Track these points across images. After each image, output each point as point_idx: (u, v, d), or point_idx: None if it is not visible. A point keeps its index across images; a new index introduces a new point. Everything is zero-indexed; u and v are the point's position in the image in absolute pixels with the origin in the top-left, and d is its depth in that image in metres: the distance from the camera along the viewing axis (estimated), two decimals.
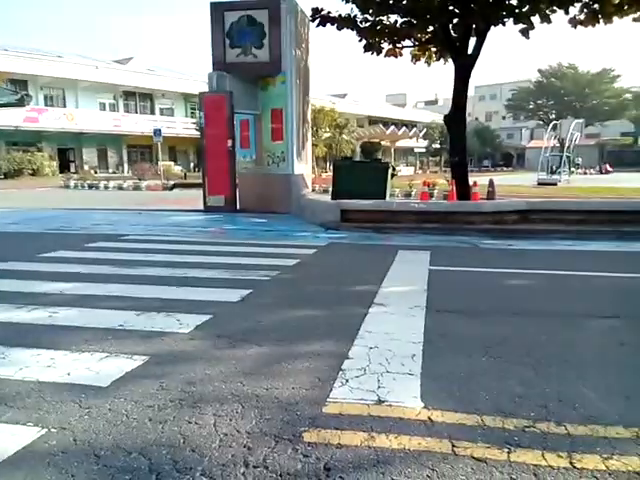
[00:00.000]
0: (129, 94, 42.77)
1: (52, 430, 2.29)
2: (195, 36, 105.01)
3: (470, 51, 11.42)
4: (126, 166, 41.27)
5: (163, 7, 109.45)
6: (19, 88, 24.39)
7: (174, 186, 25.79)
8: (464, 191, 11.88)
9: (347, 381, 2.80)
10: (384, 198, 11.11)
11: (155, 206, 14.47)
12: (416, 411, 2.48)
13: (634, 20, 10.85)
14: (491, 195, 14.17)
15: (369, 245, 8.06)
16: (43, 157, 34.79)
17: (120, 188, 25.28)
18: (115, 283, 5.05)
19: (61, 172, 34.78)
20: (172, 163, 40.19)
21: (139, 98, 43.80)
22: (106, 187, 25.50)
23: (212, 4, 12.03)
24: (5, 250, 7.19)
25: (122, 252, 6.91)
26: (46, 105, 36.66)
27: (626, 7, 10.54)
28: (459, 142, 12.00)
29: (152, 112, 44.44)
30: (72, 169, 37.14)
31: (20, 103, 16.55)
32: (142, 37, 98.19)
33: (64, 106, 38.11)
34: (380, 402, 2.56)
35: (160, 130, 27.83)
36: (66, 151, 39.01)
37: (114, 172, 39.01)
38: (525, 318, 4.05)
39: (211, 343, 3.43)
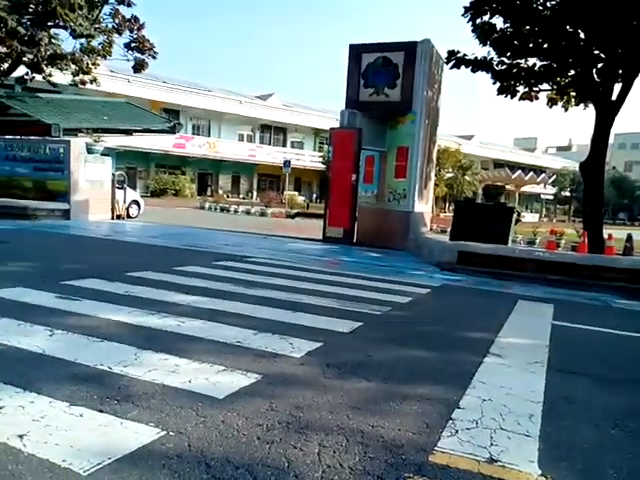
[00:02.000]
0: (265, 127, 45.95)
1: (170, 433, 2.43)
2: (329, 74, 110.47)
3: (614, 97, 10.66)
4: (255, 193, 44.04)
5: (305, 47, 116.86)
6: (172, 117, 27.33)
7: (296, 215, 26.92)
8: (597, 244, 10.94)
9: (457, 432, 2.67)
10: (506, 243, 10.60)
11: (278, 232, 15.18)
12: (532, 477, 2.28)
13: None
14: (628, 251, 12.89)
15: (486, 291, 7.69)
16: (185, 180, 38.42)
17: (248, 213, 26.96)
18: (237, 301, 5.35)
19: (199, 194, 38.15)
20: (296, 193, 42.07)
21: (274, 131, 46.83)
22: (236, 211, 27.36)
23: (351, 46, 12.63)
24: (145, 260, 7.98)
25: (245, 272, 7.31)
26: (193, 133, 40.65)
27: None
28: (595, 192, 11.14)
29: (284, 144, 47.20)
30: (208, 192, 40.52)
31: (172, 131, 18.51)
32: (284, 74, 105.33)
33: (208, 135, 41.96)
34: (492, 461, 2.39)
35: (289, 162, 29.41)
36: (205, 175, 42.72)
37: (244, 197, 41.79)
38: None
39: (320, 371, 3.47)
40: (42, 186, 14.24)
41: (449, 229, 12.46)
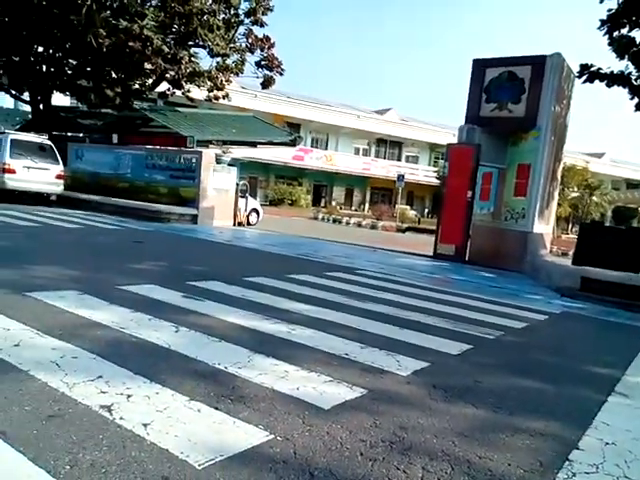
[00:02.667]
0: (381, 141, 46.25)
1: (278, 438, 2.52)
2: (449, 88, 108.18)
3: None
4: (367, 205, 44.40)
5: (426, 61, 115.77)
6: (293, 130, 28.55)
7: (407, 229, 26.66)
8: None
9: (574, 475, 2.48)
10: (638, 272, 9.58)
11: (388, 246, 15.15)
12: None
13: None
14: None
15: (613, 322, 7.01)
16: (302, 190, 39.88)
17: (359, 225, 27.23)
18: (346, 313, 5.43)
19: (313, 205, 39.38)
20: (408, 207, 41.70)
21: (389, 145, 46.97)
22: (347, 223, 27.78)
23: (475, 60, 12.33)
24: (261, 266, 8.40)
25: (355, 285, 7.40)
26: (312, 146, 42.10)
27: None
28: None
29: (399, 159, 47.14)
30: (322, 203, 41.64)
31: (293, 143, 19.37)
32: (402, 88, 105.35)
33: (326, 148, 43.21)
34: None
35: (403, 176, 29.28)
36: (320, 187, 43.98)
37: (356, 210, 42.30)
38: None
39: (426, 392, 3.41)
40: (175, 192, 15.62)
41: (571, 252, 11.58)
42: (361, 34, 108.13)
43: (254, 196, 25.77)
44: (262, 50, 20.26)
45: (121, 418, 2.53)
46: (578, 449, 2.78)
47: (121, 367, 3.19)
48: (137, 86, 20.58)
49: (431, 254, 12.81)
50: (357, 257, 11.32)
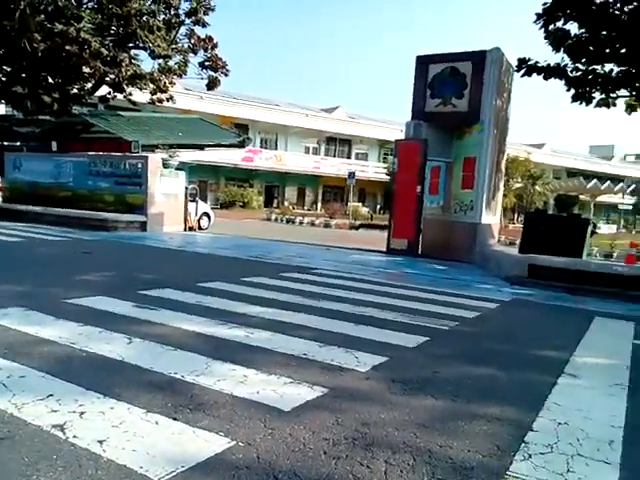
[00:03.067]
0: (330, 139, 46.50)
1: (240, 444, 2.49)
2: (394, 84, 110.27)
3: None
4: (319, 204, 44.53)
5: (369, 58, 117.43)
6: (241, 131, 28.28)
7: (360, 226, 26.94)
8: None
9: (530, 456, 2.56)
10: (580, 257, 10.05)
11: (342, 244, 15.25)
12: None
13: None
14: None
15: (559, 307, 7.32)
16: (253, 192, 39.56)
17: (312, 224, 27.29)
18: (303, 313, 5.42)
19: (266, 206, 39.13)
20: (360, 204, 42.15)
21: (339, 143, 47.31)
22: (301, 222, 27.78)
23: (418, 57, 12.56)
24: (215, 271, 8.27)
25: (311, 284, 7.40)
26: (261, 147, 41.82)
27: None
28: None
29: (349, 156, 47.55)
30: (275, 204, 41.47)
31: (242, 145, 19.15)
32: (348, 85, 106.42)
33: (275, 148, 43.05)
34: None
35: (354, 173, 29.55)
36: (272, 188, 43.78)
37: (309, 209, 42.36)
38: None
39: (386, 386, 3.45)
40: (122, 199, 15.14)
41: (518, 241, 12.01)
42: (308, 33, 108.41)
43: (204, 200, 25.36)
44: (205, 51, 19.97)
45: (75, 436, 2.43)
46: (532, 431, 2.88)
47: (72, 384, 3.07)
48: (76, 91, 19.85)
49: (385, 249, 12.99)
50: (312, 256, 11.33)
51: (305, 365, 3.74)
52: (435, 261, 11.58)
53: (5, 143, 20.21)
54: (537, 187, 38.25)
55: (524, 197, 37.81)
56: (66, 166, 16.44)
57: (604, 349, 4.93)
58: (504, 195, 28.37)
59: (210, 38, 19.84)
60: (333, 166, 44.08)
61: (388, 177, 37.08)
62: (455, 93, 12.02)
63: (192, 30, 19.80)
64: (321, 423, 2.80)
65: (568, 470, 2.44)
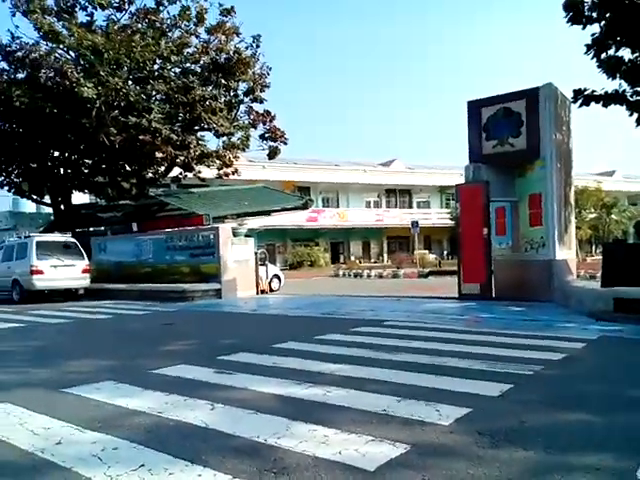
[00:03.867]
0: (390, 191, 46.92)
1: None
2: (449, 130, 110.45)
3: None
4: (385, 256, 44.40)
5: (420, 107, 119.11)
6: (304, 194, 29.21)
7: (429, 274, 26.45)
8: None
9: None
10: None
11: (412, 293, 15.02)
12: None
13: None
14: None
15: None
16: (319, 250, 40.19)
17: (380, 276, 27.12)
18: (378, 367, 5.36)
19: (332, 262, 39.50)
20: (427, 251, 41.54)
21: (399, 194, 47.59)
22: (368, 275, 27.69)
23: (469, 102, 12.71)
24: (288, 331, 8.38)
25: (383, 337, 7.32)
26: (323, 206, 42.84)
27: None
28: None
29: (410, 206, 47.59)
30: (341, 259, 41.79)
31: (305, 207, 19.76)
32: (404, 138, 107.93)
33: (337, 206, 43.92)
34: None
35: (417, 222, 29.41)
36: (337, 244, 44.31)
37: (375, 261, 42.27)
38: None
39: (472, 439, 3.32)
40: (197, 270, 15.91)
41: (599, 274, 11.33)
42: (358, 95, 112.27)
43: (273, 262, 26.06)
44: (264, 124, 21.17)
45: None
46: None
47: (162, 452, 3.20)
48: (151, 175, 21.53)
49: (456, 295, 12.66)
50: (382, 308, 11.24)
51: (385, 421, 3.69)
52: (511, 303, 11.12)
53: (91, 229, 22.04)
54: (613, 216, 36.29)
55: (600, 227, 35.91)
56: (146, 244, 17.62)
57: None
58: (577, 227, 27.10)
59: (268, 112, 21.07)
60: (395, 217, 44.15)
61: (452, 222, 36.59)
62: (511, 132, 11.94)
63: (251, 107, 21.16)
64: None
65: None
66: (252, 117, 21.12)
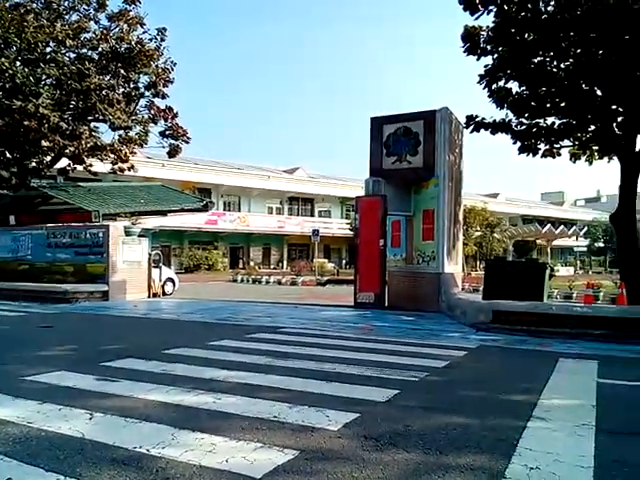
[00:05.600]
0: (293, 199, 47.33)
1: None
2: (352, 145, 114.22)
3: (638, 147, 10.68)
4: (285, 262, 44.59)
5: (325, 119, 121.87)
6: (204, 196, 28.49)
7: (327, 282, 26.99)
8: (636, 295, 10.55)
9: None
10: (541, 300, 10.34)
11: (309, 300, 15.21)
12: None
13: None
14: None
15: (524, 350, 7.45)
16: (218, 254, 39.38)
17: (279, 283, 27.17)
18: (271, 374, 5.34)
19: (231, 267, 38.90)
20: (326, 260, 42.43)
21: (301, 202, 48.16)
22: (267, 282, 27.62)
23: (372, 119, 13.23)
24: (180, 337, 8.09)
25: (278, 344, 7.32)
26: (224, 209, 42.08)
27: None
28: (629, 242, 10.91)
29: (312, 214, 48.33)
30: (240, 265, 41.27)
31: (205, 209, 19.27)
32: (308, 147, 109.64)
33: (239, 210, 43.39)
34: None
35: (318, 231, 29.97)
36: (236, 249, 43.74)
37: (275, 268, 42.31)
38: None
39: (359, 443, 3.40)
40: (82, 270, 14.82)
41: (481, 288, 12.28)
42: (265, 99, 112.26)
43: (168, 265, 25.09)
44: (166, 120, 20.32)
45: None
46: (505, 478, 2.88)
47: (30, 465, 2.92)
48: (34, 164, 19.72)
49: (352, 304, 13.03)
50: (279, 315, 11.25)
51: (275, 428, 3.67)
52: (402, 312, 11.67)
53: None
54: (495, 235, 39.60)
55: (484, 245, 38.98)
56: (24, 239, 16.10)
57: (570, 390, 5.00)
58: (465, 244, 29.18)
59: (170, 108, 20.27)
60: (297, 225, 44.60)
61: (351, 232, 37.76)
62: (409, 151, 12.60)
63: (152, 102, 20.22)
64: None
65: None
66: (153, 112, 20.18)
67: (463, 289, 15.84)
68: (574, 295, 15.50)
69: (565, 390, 4.95)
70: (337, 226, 45.96)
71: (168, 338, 7.99)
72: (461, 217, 14.31)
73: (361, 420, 3.88)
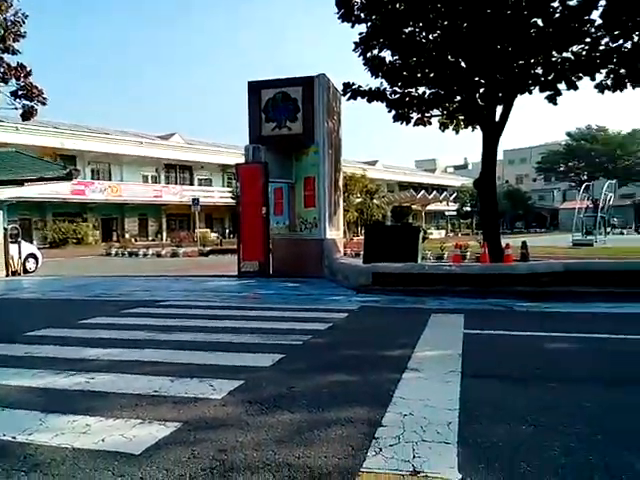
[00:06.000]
0: (170, 167, 45.04)
1: None
2: (233, 110, 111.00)
3: (497, 118, 11.67)
4: (165, 234, 42.71)
5: (204, 85, 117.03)
6: (68, 163, 25.97)
7: (210, 252, 26.41)
8: (496, 253, 11.76)
9: (381, 450, 2.72)
10: (416, 261, 11.07)
11: (192, 272, 14.79)
12: None
13: None
14: (525, 257, 13.91)
15: (401, 308, 7.97)
16: (87, 227, 36.46)
17: (159, 255, 26.01)
18: (151, 349, 5.13)
19: (104, 241, 36.29)
20: (208, 230, 41.42)
21: (179, 170, 46.02)
22: (145, 255, 26.29)
23: (250, 83, 12.87)
24: (48, 316, 7.42)
25: (158, 318, 7.03)
26: (92, 178, 38.84)
27: None
28: (489, 205, 12.03)
29: (191, 183, 46.48)
30: (114, 237, 38.70)
31: (69, 177, 17.57)
32: (185, 113, 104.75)
33: (109, 179, 40.30)
34: (416, 472, 2.47)
35: (198, 200, 29.00)
36: (109, 221, 40.82)
37: (153, 240, 40.31)
38: (566, 384, 3.88)
39: (243, 409, 3.40)
40: None
41: (362, 252, 12.81)
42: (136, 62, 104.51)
43: (29, 240, 22.76)
44: (17, 79, 18.02)
45: None
46: (382, 426, 3.06)
47: None
48: None
49: (237, 274, 12.90)
50: (159, 289, 10.79)
51: (156, 403, 3.53)
52: (287, 279, 11.81)
53: None
54: (375, 201, 41.36)
55: (365, 211, 40.52)
56: None
57: (440, 342, 5.43)
58: (346, 210, 30.11)
59: (22, 66, 17.96)
60: (176, 194, 42.69)
61: (234, 201, 37.16)
62: (289, 117, 12.53)
63: (0, 58, 17.77)
64: (176, 459, 2.66)
65: (414, 456, 2.64)
66: (2, 70, 17.80)
67: (345, 254, 16.42)
68: (445, 256, 16.70)
69: (436, 342, 5.37)
70: (219, 195, 44.78)
71: (31, 319, 7.30)
72: (341, 184, 14.69)
73: (246, 386, 3.88)
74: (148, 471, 2.54)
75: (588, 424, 3.04)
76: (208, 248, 27.80)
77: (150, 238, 41.41)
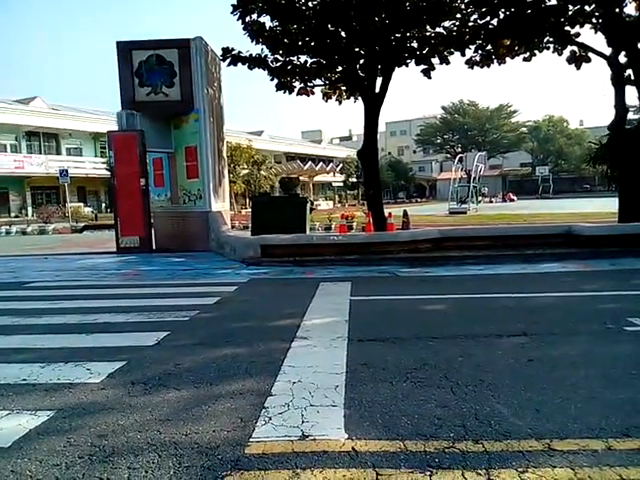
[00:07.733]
0: (32, 134, 40.55)
1: None
2: (106, 73, 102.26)
3: (378, 89, 12.02)
4: (30, 209, 38.74)
5: (68, 43, 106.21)
6: None
7: (84, 228, 24.55)
8: (380, 222, 12.30)
9: (270, 419, 2.74)
10: (304, 232, 11.21)
11: (64, 250, 13.62)
12: (340, 443, 2.47)
13: (524, 60, 12.01)
14: (406, 225, 14.72)
15: (291, 279, 8.05)
16: None
17: (24, 233, 23.62)
18: (17, 334, 4.67)
19: None
20: (81, 204, 38.44)
21: (43, 138, 41.63)
22: (8, 232, 23.72)
23: (118, 43, 11.85)
24: None
25: (26, 301, 6.42)
26: None
27: (516, 48, 11.64)
28: (373, 176, 12.48)
29: (58, 152, 42.31)
30: None
31: None
32: (46, 74, 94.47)
33: None
34: (304, 437, 2.52)
35: (66, 171, 26.63)
36: None
37: (17, 216, 36.45)
38: (442, 341, 4.19)
39: (125, 391, 3.23)
40: None
41: (250, 225, 12.67)
42: None
43: None
44: None
45: None
46: (271, 395, 3.09)
47: None
48: None
49: (115, 250, 12.12)
50: (24, 269, 9.80)
51: (25, 391, 3.24)
52: (172, 254, 11.36)
53: None
54: (262, 172, 40.93)
55: (252, 182, 39.97)
56: None
57: (328, 309, 5.57)
58: (233, 182, 29.43)
59: None
60: (40, 164, 38.64)
61: (109, 172, 34.65)
62: (165, 82, 11.79)
63: None
64: (50, 449, 2.47)
65: (303, 421, 2.69)
66: None
67: (233, 227, 16.15)
68: (333, 226, 17.12)
69: (324, 310, 5.51)
70: (92, 166, 41.38)
71: None
72: (225, 154, 14.28)
73: (128, 367, 3.69)
74: (19, 463, 2.35)
75: (462, 377, 3.32)
76: (82, 224, 25.80)
77: (13, 214, 37.40)
